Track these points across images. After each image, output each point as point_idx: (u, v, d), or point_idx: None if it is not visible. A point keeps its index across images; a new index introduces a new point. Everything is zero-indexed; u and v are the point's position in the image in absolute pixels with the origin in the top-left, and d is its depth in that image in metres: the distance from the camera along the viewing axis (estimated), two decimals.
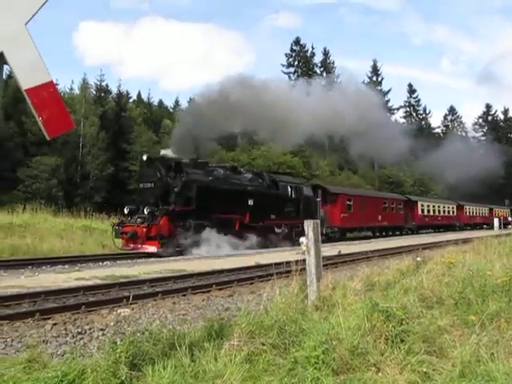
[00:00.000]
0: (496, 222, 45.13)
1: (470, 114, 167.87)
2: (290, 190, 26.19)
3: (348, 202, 33.77)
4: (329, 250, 19.07)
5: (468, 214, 57.20)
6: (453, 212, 52.99)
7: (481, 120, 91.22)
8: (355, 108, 30.69)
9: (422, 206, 46.69)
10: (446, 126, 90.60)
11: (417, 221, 44.34)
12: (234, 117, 24.86)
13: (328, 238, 28.83)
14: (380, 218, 37.11)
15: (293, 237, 24.29)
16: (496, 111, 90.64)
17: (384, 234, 39.64)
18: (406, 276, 7.95)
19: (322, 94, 33.75)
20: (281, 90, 30.00)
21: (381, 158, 58.25)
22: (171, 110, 67.71)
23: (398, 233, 42.36)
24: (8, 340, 6.26)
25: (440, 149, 65.06)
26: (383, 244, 26.12)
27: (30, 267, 13.53)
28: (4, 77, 2.85)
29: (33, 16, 2.78)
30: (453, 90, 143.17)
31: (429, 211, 47.51)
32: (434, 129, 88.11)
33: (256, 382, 3.63)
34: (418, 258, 10.35)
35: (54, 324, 7.11)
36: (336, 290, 6.34)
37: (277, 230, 24.64)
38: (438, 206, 50.08)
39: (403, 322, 4.33)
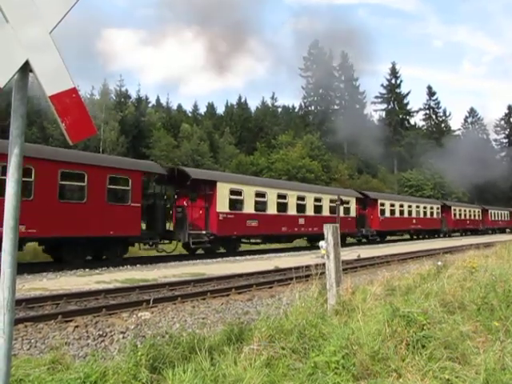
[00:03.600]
0: None
1: (491, 116, 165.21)
2: None
3: None
4: (348, 253, 18.95)
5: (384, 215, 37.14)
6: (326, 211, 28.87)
7: (502, 122, 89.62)
8: None
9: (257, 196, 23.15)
10: (467, 129, 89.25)
11: (240, 231, 21.98)
12: None
13: None
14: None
15: None
16: None
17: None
18: (426, 281, 7.84)
19: None
20: None
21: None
22: (190, 115, 68.31)
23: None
24: (32, 341, 6.40)
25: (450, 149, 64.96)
26: None
27: (51, 270, 13.76)
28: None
29: (57, 24, 2.84)
30: (474, 92, 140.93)
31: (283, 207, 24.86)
32: (454, 131, 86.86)
33: None
34: (439, 263, 10.21)
35: (76, 326, 7.23)
36: (356, 295, 6.29)
37: None
38: (299, 199, 26.01)
39: (424, 328, 4.27)
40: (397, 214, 36.14)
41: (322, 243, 6.67)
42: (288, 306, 5.75)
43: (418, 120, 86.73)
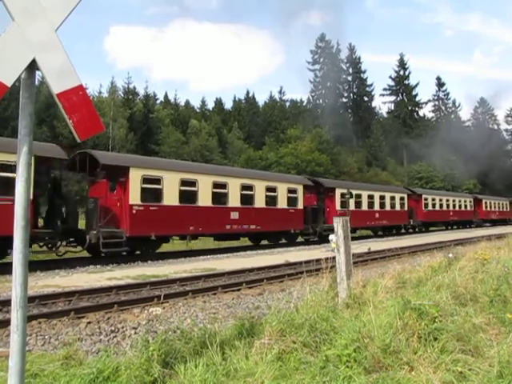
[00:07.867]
0: None
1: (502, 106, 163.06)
2: None
3: None
4: (358, 247, 18.88)
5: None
6: None
7: None
8: None
9: None
10: (477, 119, 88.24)
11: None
12: None
13: None
14: None
15: None
16: None
17: None
18: (437, 273, 7.79)
19: None
20: None
21: None
22: (198, 110, 68.27)
23: None
24: (46, 337, 6.47)
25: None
26: None
27: (63, 267, 13.88)
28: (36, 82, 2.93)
29: (62, 22, 2.84)
30: (485, 82, 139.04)
31: None
32: (464, 122, 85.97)
33: (287, 380, 3.62)
34: (450, 255, 10.13)
35: (89, 322, 7.29)
36: (367, 288, 6.26)
37: None
38: None
39: (436, 320, 4.23)
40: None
41: (332, 237, 6.64)
42: (299, 300, 5.76)
43: (427, 112, 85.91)
